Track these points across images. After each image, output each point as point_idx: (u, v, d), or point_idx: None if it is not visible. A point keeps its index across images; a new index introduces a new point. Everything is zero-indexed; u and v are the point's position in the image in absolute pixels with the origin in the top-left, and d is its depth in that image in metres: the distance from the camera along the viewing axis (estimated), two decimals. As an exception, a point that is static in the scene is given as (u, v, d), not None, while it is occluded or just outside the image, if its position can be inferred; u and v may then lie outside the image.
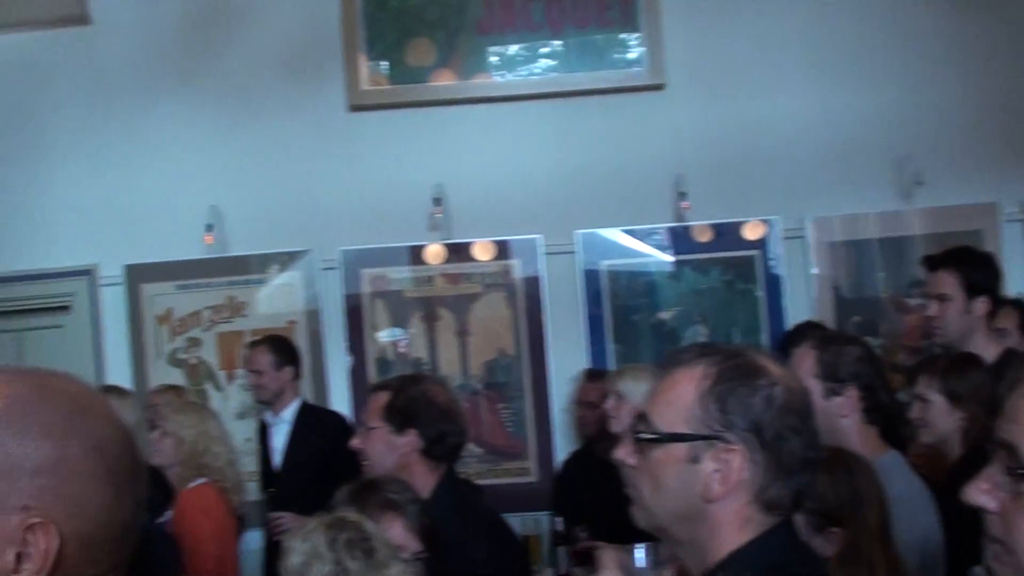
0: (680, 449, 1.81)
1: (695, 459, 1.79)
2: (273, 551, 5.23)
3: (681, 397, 1.83)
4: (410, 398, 3.47)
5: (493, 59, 6.26)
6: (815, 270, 6.00)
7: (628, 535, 2.88)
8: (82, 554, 1.21)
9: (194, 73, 6.25)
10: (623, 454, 1.90)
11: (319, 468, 5.18)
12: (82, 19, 6.26)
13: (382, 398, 3.52)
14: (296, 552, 2.59)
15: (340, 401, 6.03)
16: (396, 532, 2.86)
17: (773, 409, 1.78)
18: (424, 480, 3.36)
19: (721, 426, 1.78)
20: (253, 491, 5.57)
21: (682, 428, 1.81)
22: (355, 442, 3.59)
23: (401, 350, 6.10)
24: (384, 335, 6.11)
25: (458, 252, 6.08)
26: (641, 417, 1.88)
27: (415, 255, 6.09)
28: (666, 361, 1.96)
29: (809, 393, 1.95)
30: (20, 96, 6.33)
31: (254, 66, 6.23)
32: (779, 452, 1.77)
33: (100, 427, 1.26)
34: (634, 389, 4.44)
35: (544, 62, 6.27)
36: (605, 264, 6.03)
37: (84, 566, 1.22)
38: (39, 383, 1.27)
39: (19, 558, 1.18)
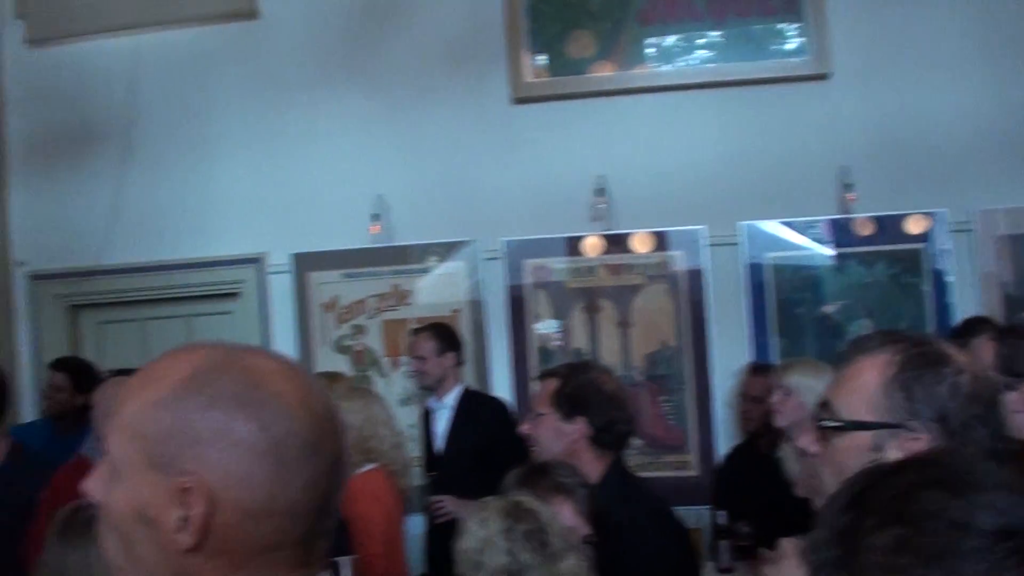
0: (864, 437, 1.83)
1: (879, 448, 1.80)
2: (434, 535, 5.44)
3: (866, 385, 1.85)
4: (579, 385, 3.56)
5: (650, 51, 6.37)
6: (981, 264, 5.96)
7: (789, 530, 2.92)
8: (241, 525, 1.28)
9: (360, 66, 6.54)
10: (805, 442, 1.95)
11: (480, 453, 5.40)
12: (251, 14, 6.64)
13: (551, 385, 3.61)
14: (472, 536, 2.73)
15: (502, 389, 6.24)
16: (565, 515, 2.95)
17: (959, 398, 1.79)
18: (592, 467, 3.43)
19: (906, 414, 1.80)
20: (417, 476, 5.78)
21: (866, 416, 1.83)
22: (524, 427, 3.72)
23: (555, 343, 6.27)
24: (540, 327, 6.30)
25: (620, 243, 6.23)
26: (824, 405, 1.91)
27: (577, 246, 6.26)
28: (850, 348, 1.97)
29: (995, 383, 1.95)
30: (192, 89, 6.72)
31: (419, 59, 6.50)
32: (965, 442, 1.78)
33: (273, 403, 1.31)
34: (801, 383, 4.48)
35: (700, 53, 6.38)
36: (769, 256, 6.09)
37: (245, 537, 1.29)
38: (225, 357, 1.35)
39: (184, 521, 1.27)
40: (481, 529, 2.72)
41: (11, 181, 6.87)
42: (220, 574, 1.30)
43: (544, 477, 3.10)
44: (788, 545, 2.70)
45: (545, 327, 6.29)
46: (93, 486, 1.36)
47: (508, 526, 2.70)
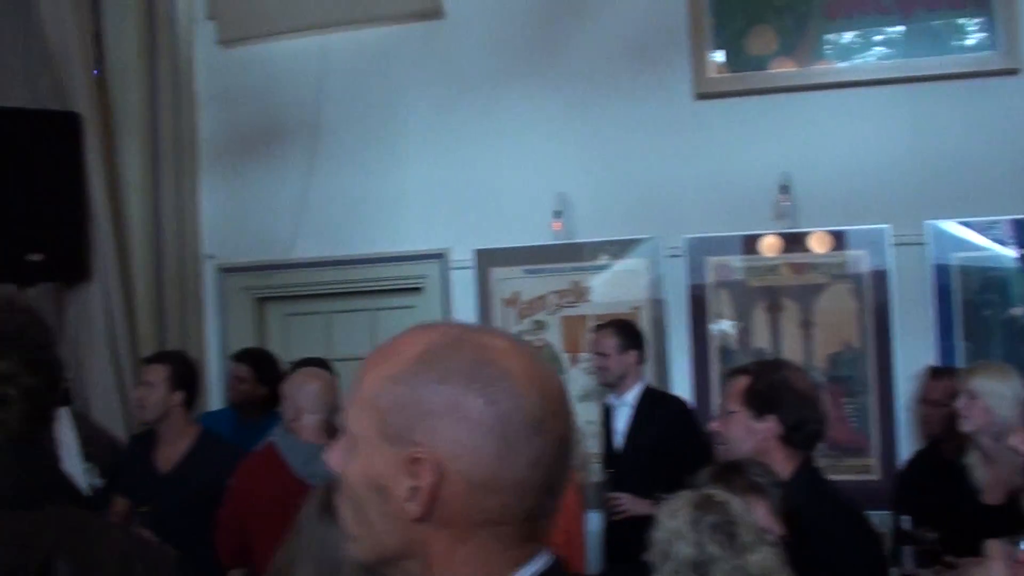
0: None
1: None
2: (612, 532, 5.65)
3: None
4: (770, 384, 3.63)
5: (828, 48, 6.45)
6: None
7: (973, 537, 2.95)
8: (467, 497, 1.36)
9: (543, 63, 6.80)
10: (1016, 441, 2.05)
11: (658, 451, 5.57)
12: (436, 13, 6.97)
13: (742, 383, 3.69)
14: (662, 527, 2.81)
15: (681, 388, 6.40)
16: (759, 515, 2.99)
17: None
18: (782, 467, 3.47)
19: None
20: (595, 472, 6.03)
21: None
22: (714, 425, 3.84)
23: (729, 344, 6.41)
24: (715, 327, 6.45)
25: (802, 242, 6.32)
26: None
27: (759, 244, 6.37)
28: None
29: None
30: (378, 88, 7.10)
31: (602, 55, 6.71)
32: None
33: (502, 380, 1.38)
34: (987, 387, 4.54)
35: (878, 49, 6.42)
36: (955, 257, 6.11)
37: (470, 510, 1.37)
38: (459, 334, 1.44)
39: (414, 491, 1.36)
40: (670, 520, 2.79)
41: (202, 177, 7.35)
42: (446, 545, 1.38)
43: (738, 475, 3.15)
44: (995, 547, 2.74)
45: (719, 327, 6.43)
46: (334, 457, 1.48)
47: (696, 517, 2.76)
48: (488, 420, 1.35)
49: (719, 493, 2.90)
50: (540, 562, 1.41)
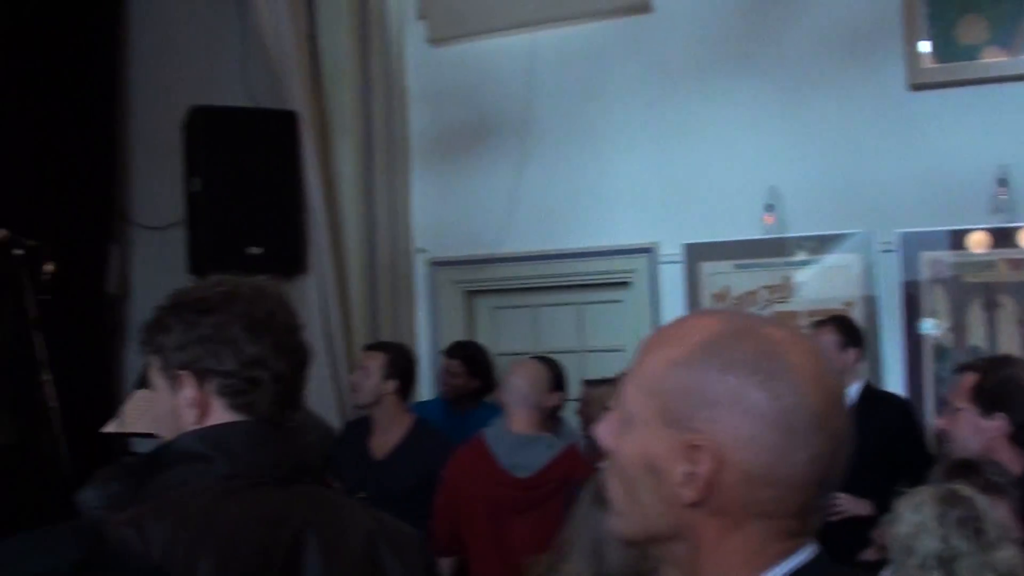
0: None
1: None
2: (825, 532, 5.69)
3: None
4: (1000, 381, 3.67)
5: None
6: None
7: None
8: (742, 488, 1.38)
9: (753, 55, 6.86)
10: None
11: (878, 450, 5.48)
12: (644, 8, 7.10)
13: (970, 379, 3.75)
14: (904, 522, 2.87)
15: (894, 386, 6.37)
16: (1000, 515, 2.97)
17: None
18: (1010, 466, 3.46)
19: None
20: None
21: None
22: (940, 422, 3.91)
23: (944, 342, 6.34)
24: (922, 327, 6.40)
25: (1015, 237, 6.23)
26: None
27: (973, 238, 6.29)
28: None
29: None
30: (586, 83, 7.26)
31: (813, 46, 6.72)
32: None
33: (786, 375, 1.39)
34: None
35: None
36: None
37: (744, 500, 1.39)
38: (744, 324, 1.47)
39: (690, 476, 1.39)
40: (914, 515, 2.84)
41: (414, 173, 7.64)
42: (716, 532, 1.41)
43: (975, 474, 3.16)
44: None
45: (926, 327, 6.37)
46: (604, 433, 1.52)
47: (942, 512, 2.79)
48: (770, 414, 1.37)
49: (963, 488, 2.93)
50: (805, 553, 1.44)
